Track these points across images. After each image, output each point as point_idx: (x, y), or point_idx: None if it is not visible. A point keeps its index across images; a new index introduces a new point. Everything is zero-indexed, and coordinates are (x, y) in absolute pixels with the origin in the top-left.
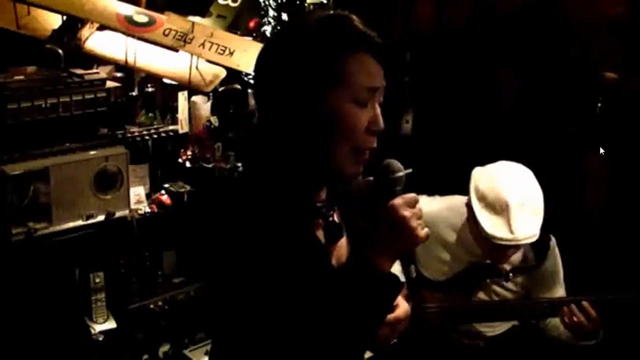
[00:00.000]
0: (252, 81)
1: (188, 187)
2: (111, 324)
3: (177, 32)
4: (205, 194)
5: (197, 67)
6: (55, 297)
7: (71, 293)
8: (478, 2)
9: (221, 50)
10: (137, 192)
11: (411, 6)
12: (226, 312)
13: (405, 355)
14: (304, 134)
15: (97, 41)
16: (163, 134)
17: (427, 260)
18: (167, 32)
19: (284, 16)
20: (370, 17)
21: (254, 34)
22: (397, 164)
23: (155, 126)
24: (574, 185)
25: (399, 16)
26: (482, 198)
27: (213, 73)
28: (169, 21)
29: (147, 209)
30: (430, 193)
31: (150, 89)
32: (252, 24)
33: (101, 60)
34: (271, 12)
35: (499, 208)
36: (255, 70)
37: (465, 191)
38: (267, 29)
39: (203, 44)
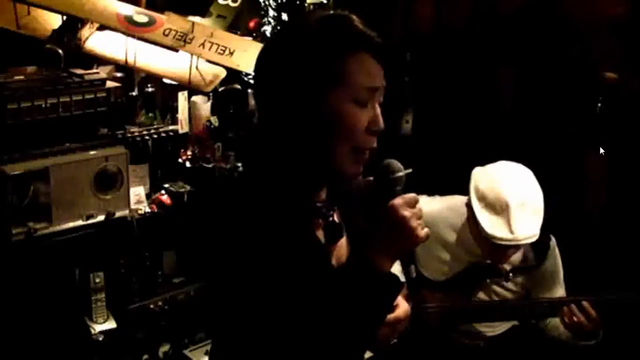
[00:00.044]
0: (252, 81)
1: (188, 187)
2: (111, 324)
3: (177, 32)
4: (205, 194)
5: (197, 67)
6: (55, 297)
7: (71, 293)
8: (478, 2)
9: (221, 50)
10: (137, 192)
11: (411, 6)
12: (226, 312)
13: (405, 355)
14: (304, 134)
15: (97, 41)
16: (163, 134)
17: (427, 260)
18: (167, 32)
19: (284, 16)
20: (370, 17)
21: (254, 34)
22: (397, 164)
23: (155, 126)
24: (574, 185)
25: (399, 16)
26: (482, 198)
27: (213, 73)
28: (169, 21)
29: (147, 209)
30: (431, 193)
31: (150, 89)
32: (252, 24)
33: (101, 60)
34: (271, 12)
35: (499, 208)
36: (255, 70)
37: (465, 191)
38: (267, 29)
39: (203, 44)
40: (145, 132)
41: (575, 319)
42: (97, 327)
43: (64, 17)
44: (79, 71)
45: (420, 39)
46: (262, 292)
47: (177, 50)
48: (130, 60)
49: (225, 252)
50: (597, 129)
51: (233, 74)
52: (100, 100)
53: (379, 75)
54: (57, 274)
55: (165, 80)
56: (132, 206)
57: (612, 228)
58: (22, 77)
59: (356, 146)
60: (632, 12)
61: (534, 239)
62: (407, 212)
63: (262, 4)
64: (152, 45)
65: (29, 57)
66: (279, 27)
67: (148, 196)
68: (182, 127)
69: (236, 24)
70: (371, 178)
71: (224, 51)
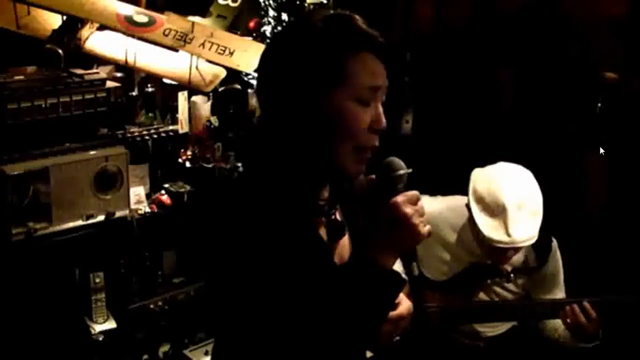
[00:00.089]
0: (252, 81)
1: (188, 187)
2: (111, 324)
3: (177, 32)
4: (205, 194)
5: (197, 67)
6: (55, 297)
7: (71, 293)
8: (478, 2)
9: (221, 50)
10: (137, 192)
11: (411, 6)
12: (228, 310)
13: (405, 355)
14: (307, 133)
15: (97, 41)
16: (163, 134)
17: (428, 260)
18: (167, 32)
19: (284, 16)
20: (370, 17)
21: (254, 34)
22: (399, 162)
23: (155, 126)
24: (574, 185)
25: (399, 16)
26: (479, 200)
27: (213, 73)
28: (169, 21)
29: (147, 209)
30: (432, 193)
31: (150, 89)
32: (252, 24)
33: (101, 60)
34: (271, 12)
35: (496, 210)
36: (258, 69)
37: (465, 191)
38: (267, 29)
39: (203, 44)
40: (145, 132)
41: (575, 319)
42: (97, 327)
43: (64, 17)
44: (79, 71)
45: (420, 39)
46: (265, 290)
47: (177, 50)
48: (130, 60)
49: (227, 250)
50: (597, 129)
51: (233, 74)
52: (100, 100)
53: (382, 74)
54: (57, 274)
55: (165, 80)
56: (132, 206)
57: (612, 228)
58: (22, 77)
59: (358, 145)
60: (632, 12)
61: (532, 241)
62: (409, 210)
63: (262, 4)
64: (152, 45)
65: (29, 57)
66: (279, 27)
67: (148, 196)
68: (182, 127)
69: (236, 24)
70: (373, 176)
71: (224, 51)
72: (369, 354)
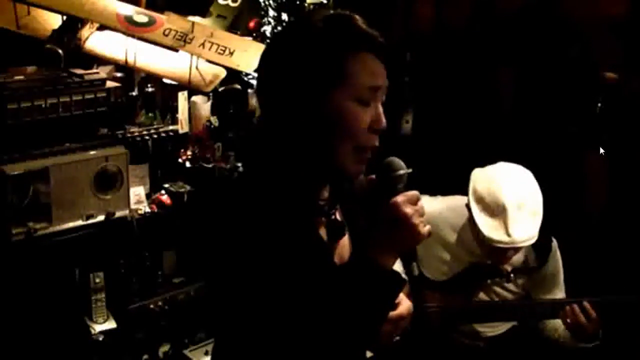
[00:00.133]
0: (252, 81)
1: (188, 187)
2: (111, 324)
3: (177, 32)
4: (205, 194)
5: (197, 67)
6: (55, 297)
7: (71, 293)
8: (478, 2)
9: (221, 50)
10: (137, 192)
11: (411, 6)
12: (228, 310)
13: (405, 355)
14: (307, 133)
15: (97, 41)
16: (163, 134)
17: (428, 260)
18: (167, 32)
19: (284, 16)
20: (370, 17)
21: (254, 34)
22: (399, 162)
23: (155, 126)
24: (574, 185)
25: (399, 16)
26: (479, 200)
27: (213, 73)
28: (169, 21)
29: (147, 209)
30: (432, 193)
31: (150, 89)
32: (252, 24)
33: (101, 60)
34: (271, 12)
35: (496, 211)
36: (258, 69)
37: (465, 191)
38: (267, 29)
39: (203, 44)
40: (145, 132)
41: (575, 319)
42: (97, 327)
43: (64, 17)
44: (79, 71)
45: (420, 39)
46: (265, 290)
47: (177, 50)
48: (130, 60)
49: (227, 250)
50: (597, 129)
51: (233, 74)
52: (100, 100)
53: (382, 74)
54: (57, 274)
55: (165, 80)
56: (132, 206)
57: (612, 228)
58: (22, 77)
59: (358, 145)
60: (632, 12)
61: (532, 241)
62: (409, 210)
63: (262, 4)
64: (152, 45)
65: (29, 57)
66: (279, 27)
67: (148, 196)
68: (182, 127)
69: (236, 24)
70: (373, 176)
71: (224, 51)
72: (369, 354)
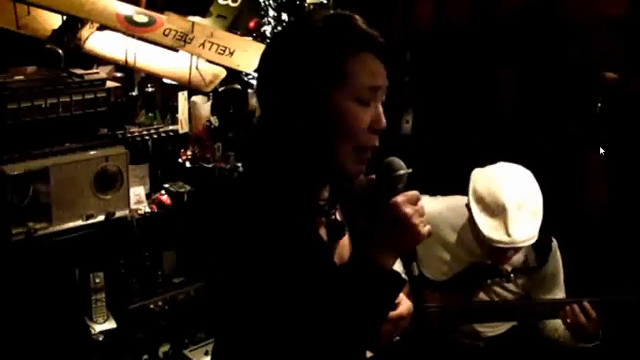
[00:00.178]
0: (252, 81)
1: (188, 187)
2: (111, 324)
3: (177, 32)
4: (205, 194)
5: (197, 67)
6: (55, 297)
7: (71, 293)
8: (478, 2)
9: (221, 50)
10: (137, 192)
11: (411, 6)
12: (228, 310)
13: (405, 355)
14: (307, 133)
15: (97, 41)
16: (163, 134)
17: (428, 260)
18: (167, 32)
19: (284, 16)
20: (370, 17)
21: (254, 34)
22: (399, 162)
23: (155, 126)
24: (574, 185)
25: (399, 16)
26: (479, 200)
27: (213, 73)
28: (169, 21)
29: (147, 209)
30: (432, 193)
31: (150, 89)
32: (252, 24)
33: (101, 60)
34: (271, 12)
35: (496, 211)
36: (258, 69)
37: (465, 191)
38: (267, 29)
39: (203, 44)
40: (145, 132)
41: (575, 319)
42: (97, 327)
43: (64, 17)
44: (79, 71)
45: (420, 39)
46: (265, 290)
47: (177, 50)
48: (130, 60)
49: (227, 250)
50: (597, 129)
51: (233, 74)
52: (100, 100)
53: (382, 74)
54: (57, 274)
55: (165, 80)
56: (132, 206)
57: (612, 228)
58: (22, 77)
59: (358, 145)
60: (632, 12)
61: (532, 241)
62: (409, 210)
63: (262, 4)
64: (152, 45)
65: (29, 57)
66: (279, 27)
67: (148, 196)
68: (182, 127)
69: (236, 24)
70: (373, 176)
71: (224, 51)
72: (369, 354)
